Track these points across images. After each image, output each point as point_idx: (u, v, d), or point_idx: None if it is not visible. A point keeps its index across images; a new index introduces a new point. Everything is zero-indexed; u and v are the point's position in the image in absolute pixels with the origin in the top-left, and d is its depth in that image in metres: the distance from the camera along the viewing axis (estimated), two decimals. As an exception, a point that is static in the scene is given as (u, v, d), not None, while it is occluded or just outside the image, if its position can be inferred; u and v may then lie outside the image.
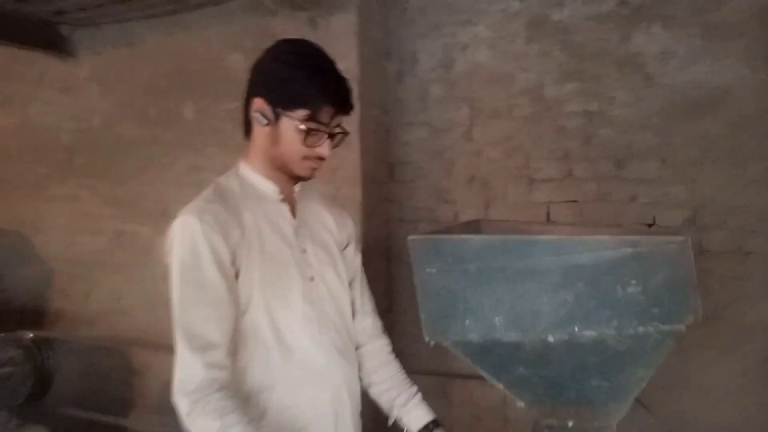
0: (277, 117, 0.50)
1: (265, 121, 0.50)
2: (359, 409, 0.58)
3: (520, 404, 0.46)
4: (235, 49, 1.65)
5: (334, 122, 0.52)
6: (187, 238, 0.47)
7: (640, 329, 0.38)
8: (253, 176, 0.54)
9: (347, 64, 1.29)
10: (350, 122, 0.74)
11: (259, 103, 0.51)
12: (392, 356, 0.62)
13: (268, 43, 0.67)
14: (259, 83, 0.53)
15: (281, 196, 0.54)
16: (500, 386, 0.47)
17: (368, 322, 0.60)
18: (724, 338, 1.19)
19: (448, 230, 0.67)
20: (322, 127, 0.49)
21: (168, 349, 0.61)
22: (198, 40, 1.72)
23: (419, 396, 0.58)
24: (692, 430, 1.18)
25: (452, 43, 1.40)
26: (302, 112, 0.50)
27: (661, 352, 0.38)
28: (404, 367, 0.62)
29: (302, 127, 0.49)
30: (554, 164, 1.35)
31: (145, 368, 1.67)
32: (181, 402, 0.45)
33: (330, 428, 0.51)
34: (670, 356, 0.49)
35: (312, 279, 0.52)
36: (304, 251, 0.54)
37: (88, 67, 1.93)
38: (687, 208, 1.23)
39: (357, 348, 0.59)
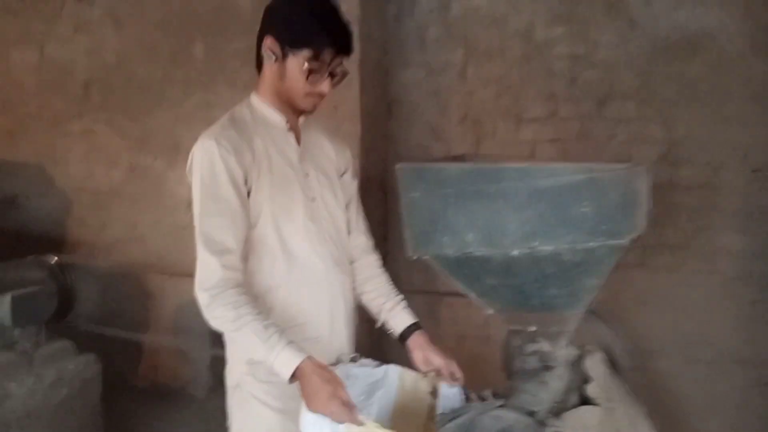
0: (284, 55, 0.60)
1: (274, 58, 0.60)
2: (353, 314, 0.70)
3: (490, 311, 0.60)
4: (243, -9, 1.81)
5: (335, 62, 0.62)
6: (206, 159, 0.59)
7: (591, 244, 0.51)
8: (263, 107, 0.64)
9: (349, 5, 1.47)
10: (351, 61, 0.95)
11: (269, 41, 0.61)
12: (381, 270, 0.74)
13: None
14: (270, 23, 0.63)
15: (288, 126, 0.64)
16: (473, 295, 0.62)
17: (361, 240, 0.73)
18: (692, 263, 1.39)
19: (434, 161, 0.81)
20: (324, 67, 0.59)
21: (180, 274, 0.77)
22: (209, -19, 1.88)
23: (404, 303, 0.70)
24: (664, 340, 1.38)
25: None
26: (306, 52, 0.59)
27: (608, 263, 0.51)
28: (398, 289, 0.77)
29: (306, 66, 0.58)
30: (541, 104, 1.54)
31: (159, 292, 1.96)
32: (202, 296, 0.57)
33: (325, 325, 0.62)
34: (643, 278, 0.63)
35: (313, 199, 0.64)
36: (306, 175, 0.65)
37: (102, 5, 2.15)
38: (661, 144, 1.40)
39: (351, 262, 0.70)
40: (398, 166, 0.66)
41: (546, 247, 0.55)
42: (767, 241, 1.35)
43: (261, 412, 0.61)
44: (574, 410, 0.60)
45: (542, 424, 0.57)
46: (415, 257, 0.64)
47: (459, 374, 0.64)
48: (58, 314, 1.52)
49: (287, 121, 0.66)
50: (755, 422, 1.38)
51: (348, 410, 0.49)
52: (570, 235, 0.54)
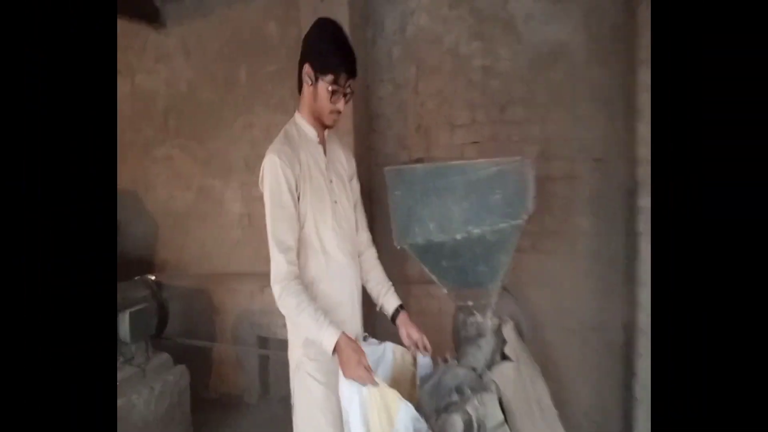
0: (316, 79, 3.26)
1: (310, 82, 3.25)
2: (361, 299, 3.66)
3: (445, 291, 4.71)
4: (270, 18, 6.90)
5: (348, 84, 3.32)
6: (272, 171, 3.14)
7: (501, 224, 4.42)
8: (303, 123, 3.38)
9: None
10: None
11: (307, 67, 3.25)
12: (377, 261, 3.85)
13: (294, 11, 6.17)
14: (307, 52, 3.28)
15: (318, 139, 3.42)
16: (434, 277, 4.83)
17: (364, 236, 3.78)
18: (563, 245, 5.19)
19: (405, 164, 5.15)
20: (341, 89, 3.26)
21: (239, 289, 6.83)
22: (249, 10, 7.04)
23: (392, 289, 3.77)
24: (547, 313, 5.24)
25: (405, 10, 5.74)
26: (330, 77, 3.24)
27: (513, 242, 3.50)
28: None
29: (330, 88, 3.22)
30: (465, 112, 5.51)
31: (221, 306, 7.34)
32: (275, 288, 3.16)
33: (348, 310, 3.50)
34: (531, 261, 5.37)
35: (336, 202, 3.42)
36: (331, 181, 3.42)
37: (175, 37, 7.60)
38: (539, 142, 5.15)
39: (359, 255, 3.69)
40: (386, 168, 3.95)
41: (476, 230, 3.46)
42: (610, 223, 4.83)
43: (311, 386, 3.30)
44: (497, 365, 3.83)
45: (480, 377, 3.77)
46: (399, 247, 3.87)
47: (429, 347, 3.55)
48: (157, 330, 6.20)
49: (318, 135, 3.39)
50: (606, 379, 4.95)
51: (369, 374, 2.95)
52: (489, 219, 3.48)
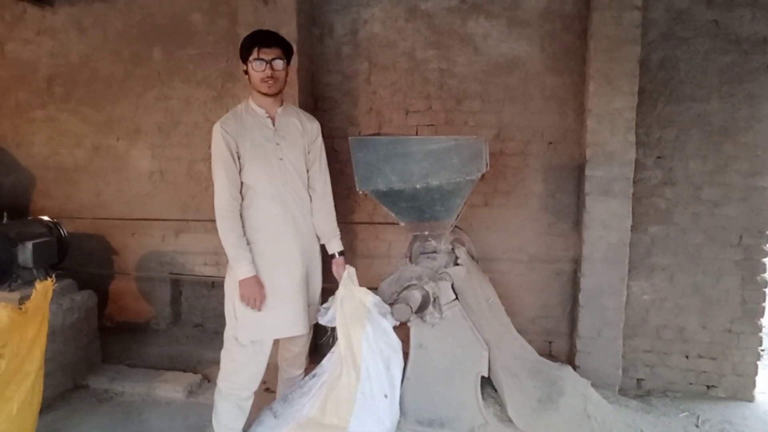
0: (246, 65, 2.81)
1: (244, 70, 2.86)
2: (313, 233, 3.05)
3: (402, 224, 3.29)
4: (195, 9, 4.82)
5: (266, 54, 2.77)
6: (215, 137, 2.79)
7: (457, 179, 3.13)
8: (252, 104, 2.89)
9: (289, 29, 4.34)
10: (290, 69, 3.87)
11: (241, 65, 2.88)
12: (330, 208, 3.10)
13: (223, 6, 4.23)
14: (240, 56, 2.88)
15: (267, 114, 2.89)
16: (393, 214, 3.32)
17: (319, 185, 3.06)
18: (514, 202, 4.10)
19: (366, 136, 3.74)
20: (262, 59, 2.77)
21: (142, 233, 4.27)
22: (164, 0, 4.89)
23: (338, 236, 3.11)
24: (499, 250, 4.18)
25: (357, 18, 4.44)
26: (251, 56, 2.78)
27: (467, 190, 2.95)
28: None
29: (252, 60, 2.78)
30: (421, 101, 4.35)
31: (122, 247, 4.66)
32: (217, 214, 2.77)
33: (290, 238, 2.91)
34: (486, 213, 4.01)
35: (281, 159, 2.86)
36: (277, 144, 2.87)
37: (63, 15, 5.05)
38: (495, 128, 4.23)
39: (312, 199, 3.02)
40: (351, 138, 3.04)
41: (434, 182, 2.85)
42: (556, 186, 4.03)
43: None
44: (450, 268, 3.25)
45: (436, 272, 3.17)
46: (361, 192, 3.02)
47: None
48: (59, 259, 4.07)
49: (266, 112, 2.88)
50: (554, 298, 4.17)
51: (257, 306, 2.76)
52: (447, 175, 2.83)
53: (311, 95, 4.43)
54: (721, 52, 3.69)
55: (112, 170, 4.84)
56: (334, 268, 3.18)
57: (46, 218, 4.26)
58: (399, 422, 2.96)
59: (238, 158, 2.87)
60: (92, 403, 3.73)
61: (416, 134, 4.27)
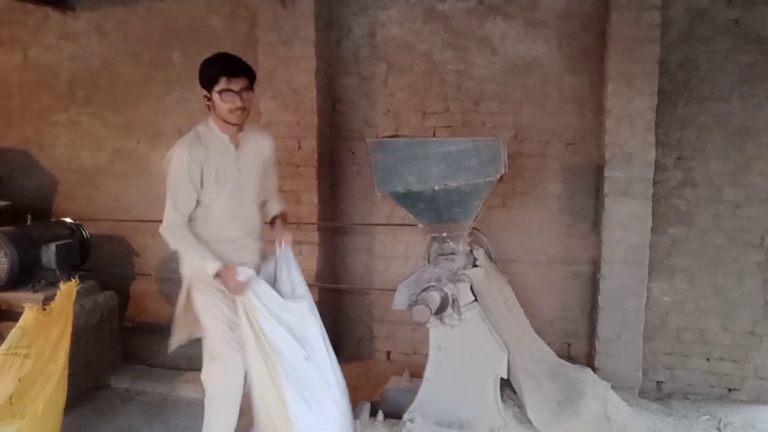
0: (210, 93, 2.67)
1: (207, 100, 2.71)
2: (260, 240, 3.02)
3: (420, 225, 3.31)
4: (214, 13, 4.85)
5: (236, 84, 2.64)
6: (177, 161, 2.67)
7: (476, 180, 3.15)
8: (214, 128, 2.78)
9: (307, 32, 4.36)
10: (308, 72, 4.28)
11: (203, 93, 2.73)
12: (276, 200, 3.08)
13: (242, 11, 4.24)
14: (200, 82, 2.74)
15: (229, 139, 2.80)
16: (411, 215, 3.34)
17: (272, 191, 3.07)
18: (532, 203, 4.09)
19: (384, 138, 3.76)
20: (229, 89, 2.63)
21: (159, 235, 3.45)
22: (184, 4, 4.89)
23: (280, 208, 3.03)
24: (517, 252, 4.16)
25: (375, 20, 4.43)
26: (216, 85, 2.63)
27: (485, 192, 2.92)
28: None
29: (218, 91, 2.64)
30: (438, 103, 4.34)
31: (143, 249, 4.71)
32: (164, 231, 2.74)
33: (247, 251, 2.92)
34: (504, 214, 4.07)
35: (241, 184, 2.83)
36: (239, 169, 2.82)
37: (85, 20, 5.11)
38: (513, 129, 4.21)
39: (263, 205, 3.01)
40: (369, 140, 3.14)
41: (453, 184, 2.87)
42: (575, 187, 4.00)
43: (200, 291, 2.81)
44: (468, 269, 3.26)
45: (455, 274, 3.19)
46: (379, 194, 3.07)
47: (284, 243, 2.89)
48: (81, 261, 4.17)
49: (229, 137, 2.79)
50: (573, 299, 4.14)
51: (242, 287, 2.66)
52: (465, 176, 2.85)
53: (329, 98, 4.45)
54: (741, 51, 3.65)
55: (133, 173, 4.90)
56: (276, 227, 3.07)
57: (68, 220, 4.33)
58: (416, 420, 2.95)
59: (201, 184, 2.82)
60: (115, 403, 3.78)
61: (434, 136, 4.26)
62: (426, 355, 4.25)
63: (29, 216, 3.99)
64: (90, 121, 4.99)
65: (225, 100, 2.71)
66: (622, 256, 3.77)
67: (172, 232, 2.79)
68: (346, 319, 4.66)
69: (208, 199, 2.83)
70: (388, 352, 4.63)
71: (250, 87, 2.78)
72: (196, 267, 2.82)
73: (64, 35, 5.06)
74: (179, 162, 2.74)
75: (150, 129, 4.85)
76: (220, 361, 2.87)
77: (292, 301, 2.85)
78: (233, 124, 2.81)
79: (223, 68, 2.70)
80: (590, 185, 4.05)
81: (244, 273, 2.71)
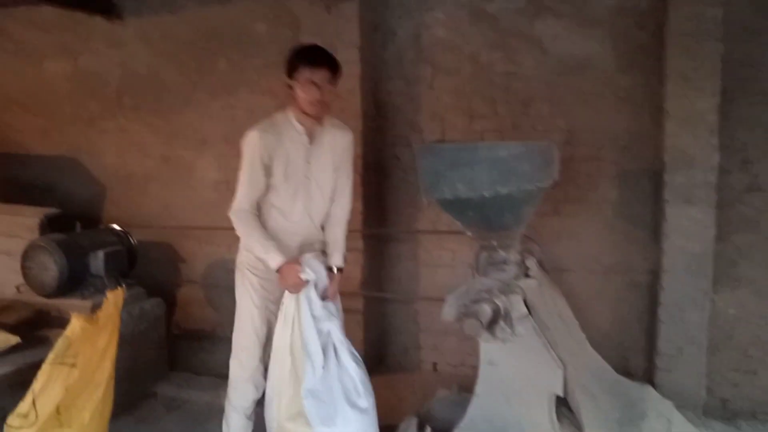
0: (293, 81, 2.66)
1: (290, 87, 2.68)
2: (319, 240, 2.94)
3: (469, 233, 3.20)
4: (259, 19, 4.81)
5: (318, 76, 2.62)
6: (251, 143, 2.67)
7: (529, 187, 3.04)
8: (291, 118, 2.76)
9: (351, 37, 4.27)
10: (352, 76, 4.12)
11: (285, 78, 2.72)
12: (342, 223, 2.96)
13: (286, 16, 4.16)
14: (286, 69, 2.73)
15: (304, 130, 2.76)
16: (459, 224, 3.22)
17: (340, 197, 2.96)
18: (586, 210, 3.92)
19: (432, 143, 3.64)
20: (311, 81, 2.62)
21: (209, 242, 4.43)
22: (229, 11, 4.86)
23: (341, 251, 2.93)
24: (570, 261, 3.97)
25: (420, 23, 4.29)
26: (300, 75, 2.62)
27: (538, 198, 2.82)
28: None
29: (301, 82, 2.63)
30: (486, 106, 4.19)
31: (189, 256, 4.71)
32: (231, 215, 2.71)
33: (296, 249, 2.83)
34: (556, 222, 3.91)
35: (308, 178, 2.78)
36: (309, 163, 2.78)
37: (132, 28, 5.13)
38: (565, 132, 4.02)
39: (330, 206, 2.91)
40: (415, 145, 3.47)
41: (503, 191, 2.67)
42: (632, 193, 3.81)
43: (249, 276, 2.86)
44: (521, 280, 3.02)
45: (507, 285, 3.02)
46: (426, 201, 2.99)
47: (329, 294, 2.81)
48: (128, 268, 4.15)
49: (305, 128, 2.75)
50: (630, 311, 3.93)
51: (299, 286, 2.64)
52: (517, 183, 2.67)
53: (373, 102, 4.36)
54: (812, 46, 3.39)
55: (180, 180, 4.90)
56: (328, 283, 2.96)
57: (116, 227, 4.35)
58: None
59: (270, 172, 2.80)
60: (161, 412, 3.77)
61: (481, 140, 4.13)
62: (474, 368, 4.08)
63: (78, 223, 3.99)
64: (137, 128, 5.01)
65: (305, 91, 2.69)
66: (684, 266, 3.55)
67: (239, 217, 2.77)
68: (391, 328, 4.55)
69: (275, 189, 2.81)
70: (435, 363, 4.48)
71: (333, 81, 2.75)
72: (256, 256, 2.81)
73: (112, 43, 5.09)
74: (251, 145, 2.73)
75: (196, 136, 4.84)
76: (240, 351, 2.94)
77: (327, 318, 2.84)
78: (311, 116, 2.78)
79: (307, 58, 2.69)
80: (648, 191, 3.85)
81: (308, 273, 2.71)
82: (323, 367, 2.72)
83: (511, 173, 2.79)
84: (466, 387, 3.24)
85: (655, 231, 3.81)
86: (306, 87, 2.68)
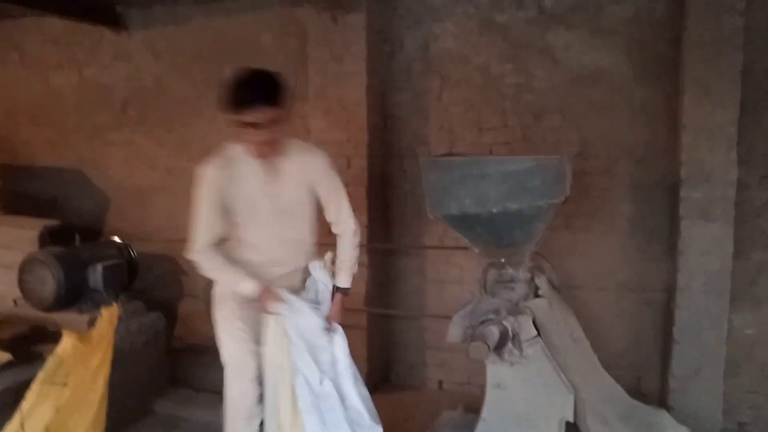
0: (232, 119, 2.35)
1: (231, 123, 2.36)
2: (299, 274, 2.75)
3: (476, 251, 3.07)
4: (266, 30, 4.74)
5: (260, 118, 2.29)
6: (202, 181, 2.53)
7: (539, 203, 2.92)
8: (243, 151, 2.51)
9: (358, 48, 4.17)
10: (360, 87, 4.09)
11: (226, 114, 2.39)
12: (347, 240, 2.76)
13: (293, 26, 4.09)
14: (224, 102, 2.41)
15: (261, 164, 2.49)
16: (467, 240, 3.10)
17: (339, 219, 2.73)
18: (599, 224, 3.79)
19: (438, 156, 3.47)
20: (247, 120, 2.31)
21: None
22: (235, 21, 4.79)
23: (348, 270, 2.76)
24: (582, 277, 3.82)
25: (428, 34, 4.22)
26: (236, 116, 2.34)
27: (549, 214, 2.75)
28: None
29: (239, 122, 2.34)
30: (496, 118, 4.08)
31: (192, 269, 4.61)
32: (192, 256, 2.60)
33: (285, 279, 2.66)
34: (567, 236, 3.81)
35: (281, 212, 2.57)
36: (278, 197, 2.54)
37: (139, 39, 5.09)
38: (577, 145, 3.90)
39: (335, 232, 2.75)
40: (421, 159, 3.05)
41: (513, 206, 2.60)
42: (647, 207, 3.67)
43: (227, 305, 2.69)
44: (531, 300, 2.86)
45: (516, 305, 2.82)
46: (432, 217, 2.86)
47: (332, 326, 2.66)
48: (129, 282, 4.11)
49: (262, 161, 2.48)
50: (643, 329, 3.78)
51: (275, 305, 2.49)
52: (527, 199, 2.60)
53: (380, 114, 4.28)
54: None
55: (184, 192, 4.75)
56: (331, 303, 2.82)
57: (117, 240, 4.32)
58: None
59: (228, 211, 2.65)
60: (159, 431, 3.63)
61: (490, 153, 4.02)
62: (481, 386, 3.94)
63: (77, 236, 3.91)
64: (143, 140, 4.97)
65: (245, 134, 2.45)
66: (701, 284, 3.40)
67: (199, 258, 2.65)
68: (396, 345, 4.43)
69: (242, 227, 2.65)
70: (440, 381, 4.36)
71: (276, 111, 2.42)
72: (230, 288, 2.70)
73: (118, 55, 5.05)
74: (203, 183, 2.59)
75: (202, 147, 4.69)
76: (235, 372, 2.76)
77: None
78: (260, 157, 2.55)
79: (236, 99, 2.40)
80: (663, 205, 3.72)
81: (284, 298, 2.61)
82: (321, 383, 2.61)
83: (521, 189, 2.70)
84: (471, 407, 3.13)
85: (670, 247, 3.66)
86: (245, 130, 2.42)
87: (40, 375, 2.65)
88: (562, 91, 3.91)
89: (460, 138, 4.13)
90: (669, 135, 3.67)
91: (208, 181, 2.57)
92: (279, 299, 2.58)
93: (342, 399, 2.63)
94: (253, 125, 2.37)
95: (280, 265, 2.75)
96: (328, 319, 2.74)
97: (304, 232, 2.80)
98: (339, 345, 2.71)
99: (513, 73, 4.01)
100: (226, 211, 2.59)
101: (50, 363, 2.66)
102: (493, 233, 2.88)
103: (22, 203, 5.04)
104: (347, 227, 2.81)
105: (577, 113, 3.89)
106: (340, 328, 2.76)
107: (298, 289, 2.77)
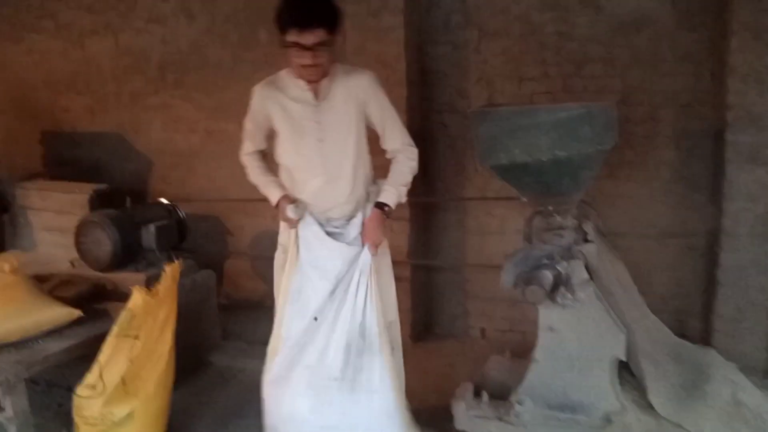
0: (284, 41, 2.34)
1: (282, 46, 2.37)
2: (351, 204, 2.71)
3: (524, 200, 3.13)
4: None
5: (314, 41, 2.28)
6: (253, 98, 2.71)
7: (589, 149, 2.97)
8: (292, 76, 2.58)
9: (396, 2, 4.17)
10: (397, 42, 4.13)
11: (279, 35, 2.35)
12: (401, 164, 2.78)
13: None
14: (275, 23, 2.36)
15: (308, 87, 2.53)
16: (515, 189, 3.17)
17: (394, 143, 2.75)
18: (643, 172, 3.86)
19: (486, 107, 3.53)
20: (298, 44, 2.28)
21: (255, 214, 4.41)
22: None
23: (392, 190, 2.71)
24: (625, 225, 3.91)
25: None
26: (287, 38, 2.29)
27: (598, 162, 2.77)
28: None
29: (288, 44, 2.31)
30: (536, 68, 4.09)
31: (236, 228, 4.78)
32: (241, 159, 2.86)
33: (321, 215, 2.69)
34: (611, 185, 3.85)
35: (321, 140, 2.56)
36: (318, 122, 2.56)
37: (173, 2, 5.13)
38: (619, 93, 3.91)
39: (389, 156, 2.76)
40: (470, 111, 3.05)
41: (563, 154, 2.60)
42: (690, 154, 3.71)
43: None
44: (581, 245, 2.90)
45: (568, 250, 2.86)
46: (481, 166, 3.14)
47: (373, 250, 2.62)
48: (179, 241, 4.23)
49: (308, 84, 2.52)
50: (686, 274, 3.89)
51: (291, 222, 2.62)
52: (577, 147, 2.59)
53: (418, 69, 4.32)
54: None
55: (225, 154, 4.90)
56: (367, 223, 2.74)
57: (165, 201, 4.42)
58: (525, 402, 2.79)
59: (272, 132, 2.78)
60: (218, 381, 3.84)
61: (531, 103, 4.01)
62: (524, 333, 4.13)
63: (128, 198, 4.05)
64: (182, 103, 5.06)
65: (294, 56, 2.41)
66: (747, 229, 3.45)
67: (245, 161, 2.88)
68: (439, 296, 4.55)
69: (284, 151, 2.72)
70: (483, 330, 4.48)
71: (328, 39, 2.39)
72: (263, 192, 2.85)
73: (153, 19, 5.11)
74: (253, 99, 2.76)
75: (240, 110, 4.76)
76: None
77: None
78: (307, 81, 2.55)
79: (293, 18, 2.34)
80: (708, 151, 3.75)
81: (294, 211, 2.68)
82: (316, 319, 2.65)
83: (571, 137, 2.69)
84: (516, 352, 3.26)
85: (713, 193, 3.71)
86: (294, 52, 2.40)
87: (114, 329, 2.80)
88: (604, 39, 3.91)
89: (500, 90, 4.18)
90: (714, 81, 3.67)
91: (254, 95, 2.74)
92: (288, 214, 2.67)
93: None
94: (305, 47, 2.36)
95: (326, 195, 2.72)
96: (363, 239, 2.70)
97: (354, 160, 2.71)
98: (362, 267, 2.68)
99: (554, 21, 4.02)
100: (270, 132, 2.78)
101: (123, 317, 2.81)
102: (542, 182, 2.90)
103: (66, 169, 5.19)
104: (402, 148, 2.79)
105: (620, 61, 3.90)
106: (369, 255, 2.69)
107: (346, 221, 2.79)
